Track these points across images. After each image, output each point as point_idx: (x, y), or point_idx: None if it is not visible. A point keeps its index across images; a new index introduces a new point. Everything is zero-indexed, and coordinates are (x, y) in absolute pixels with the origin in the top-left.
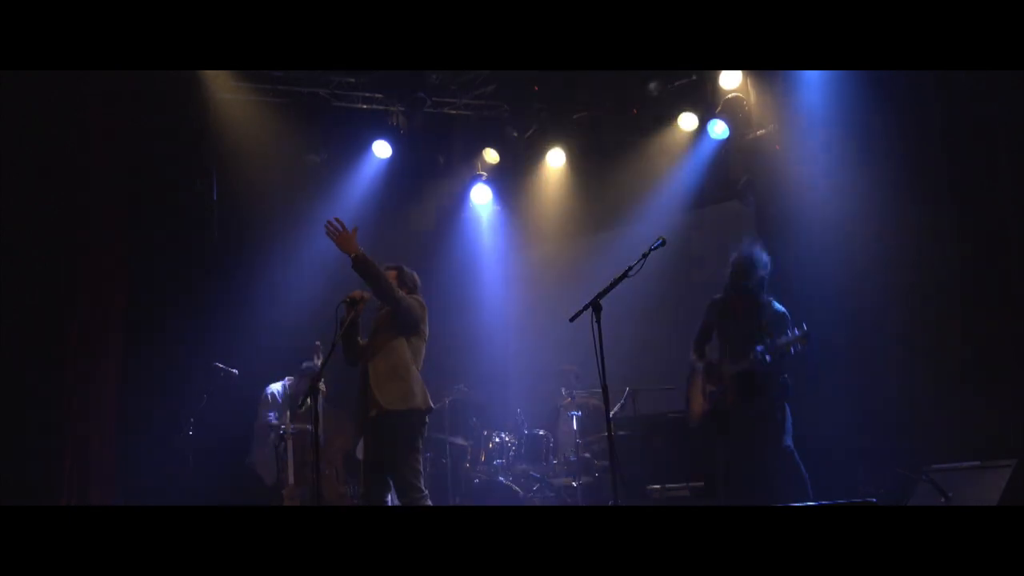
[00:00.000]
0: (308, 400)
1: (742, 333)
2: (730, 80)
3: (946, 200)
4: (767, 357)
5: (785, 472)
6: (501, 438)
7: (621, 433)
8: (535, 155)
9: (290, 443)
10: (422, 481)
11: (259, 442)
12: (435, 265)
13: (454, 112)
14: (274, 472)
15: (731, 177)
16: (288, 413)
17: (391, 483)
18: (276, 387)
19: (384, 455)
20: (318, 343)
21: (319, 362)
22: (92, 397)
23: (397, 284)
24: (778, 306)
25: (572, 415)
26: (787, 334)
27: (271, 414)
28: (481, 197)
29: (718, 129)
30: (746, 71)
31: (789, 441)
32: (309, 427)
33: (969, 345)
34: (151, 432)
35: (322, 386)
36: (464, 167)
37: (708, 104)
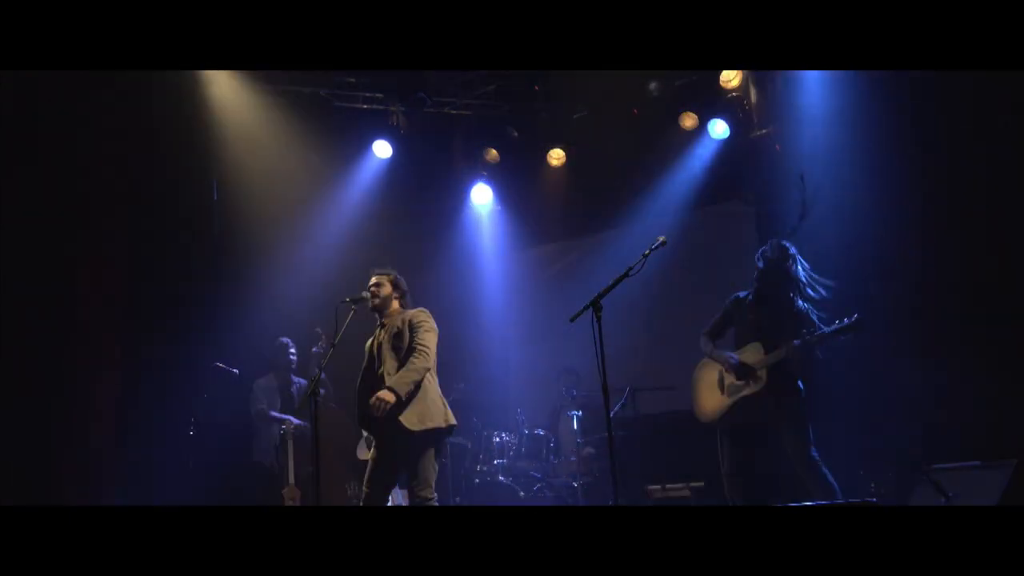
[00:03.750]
0: (308, 398)
1: (775, 325)
2: (730, 80)
3: (947, 200)
4: (804, 343)
5: (813, 483)
6: (501, 438)
7: (621, 433)
8: (535, 155)
9: (290, 443)
10: (432, 488)
11: (257, 434)
12: (435, 265)
13: (454, 112)
14: (274, 463)
15: (731, 177)
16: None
17: (402, 486)
18: (261, 379)
19: (403, 469)
20: (319, 330)
21: (322, 348)
22: (92, 397)
23: (392, 291)
24: (800, 303)
25: (572, 415)
26: (833, 324)
27: (261, 403)
28: (481, 197)
29: (718, 129)
30: (746, 71)
31: (815, 452)
32: (304, 423)
33: (969, 345)
34: (151, 432)
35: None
36: (464, 167)
37: (708, 104)
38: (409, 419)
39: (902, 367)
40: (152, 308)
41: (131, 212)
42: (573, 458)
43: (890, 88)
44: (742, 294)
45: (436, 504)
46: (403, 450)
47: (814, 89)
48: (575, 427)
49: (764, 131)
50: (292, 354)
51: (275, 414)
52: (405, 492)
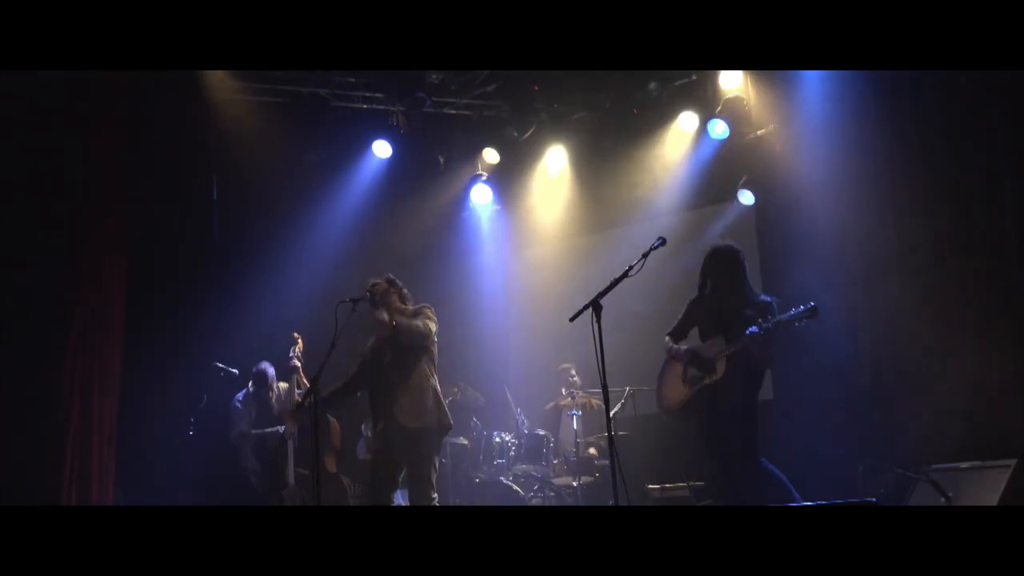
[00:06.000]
0: (307, 399)
1: (737, 317)
2: (730, 80)
3: (945, 201)
4: (762, 330)
5: (760, 483)
6: (501, 438)
7: (621, 433)
8: (535, 155)
9: (290, 443)
10: (435, 489)
11: (242, 454)
12: (435, 265)
13: (454, 112)
14: (263, 479)
15: (731, 177)
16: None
17: (402, 486)
18: (239, 396)
19: (403, 467)
20: (296, 334)
21: (297, 351)
22: (92, 397)
23: (396, 299)
24: (764, 296)
25: (572, 415)
26: (789, 311)
27: (241, 424)
28: (481, 197)
29: (718, 129)
30: (746, 71)
31: (762, 460)
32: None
33: (969, 345)
34: (151, 432)
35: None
36: (464, 167)
37: (708, 104)
38: (405, 415)
39: (901, 367)
40: (152, 308)
41: (130, 212)
42: (573, 458)
43: (890, 88)
44: (696, 296)
45: (436, 503)
46: (400, 449)
47: (814, 89)
48: (575, 427)
49: (764, 131)
50: (272, 376)
51: (255, 432)
52: (405, 492)
